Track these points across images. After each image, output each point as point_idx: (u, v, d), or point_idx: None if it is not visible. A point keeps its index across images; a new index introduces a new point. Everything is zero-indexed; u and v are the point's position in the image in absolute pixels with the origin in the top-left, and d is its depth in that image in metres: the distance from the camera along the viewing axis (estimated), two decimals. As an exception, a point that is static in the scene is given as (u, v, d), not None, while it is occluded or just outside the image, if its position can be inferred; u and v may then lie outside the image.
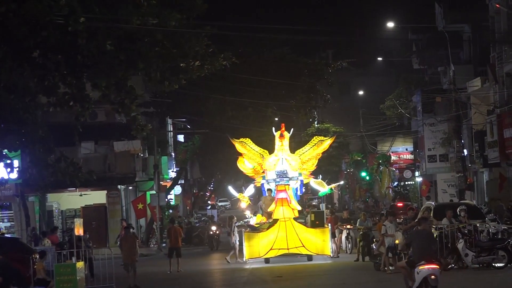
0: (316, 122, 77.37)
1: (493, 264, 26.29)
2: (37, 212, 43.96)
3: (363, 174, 79.28)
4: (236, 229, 35.55)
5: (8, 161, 25.82)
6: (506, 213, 37.69)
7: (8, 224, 42.07)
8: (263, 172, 34.70)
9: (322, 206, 39.48)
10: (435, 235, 25.78)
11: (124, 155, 45.22)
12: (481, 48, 52.82)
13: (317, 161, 35.12)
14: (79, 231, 25.37)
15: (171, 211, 53.97)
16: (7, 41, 23.01)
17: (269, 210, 34.17)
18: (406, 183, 72.81)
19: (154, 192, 48.23)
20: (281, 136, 34.44)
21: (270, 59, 52.16)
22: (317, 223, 33.32)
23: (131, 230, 30.28)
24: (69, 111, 26.88)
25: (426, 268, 17.88)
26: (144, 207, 46.32)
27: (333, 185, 41.82)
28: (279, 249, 33.10)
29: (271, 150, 34.82)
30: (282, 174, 34.14)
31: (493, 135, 44.81)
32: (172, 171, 60.16)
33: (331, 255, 33.53)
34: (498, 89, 45.43)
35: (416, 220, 25.84)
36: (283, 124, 35.27)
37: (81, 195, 45.66)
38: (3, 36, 22.84)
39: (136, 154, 47.12)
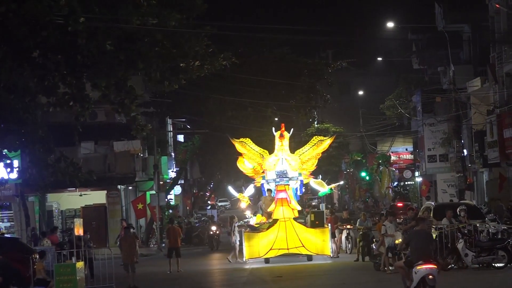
0: (316, 122, 77.30)
1: (493, 264, 26.29)
2: (37, 212, 43.93)
3: (363, 174, 79.17)
4: (236, 229, 35.56)
5: (8, 161, 25.81)
6: (506, 213, 37.72)
7: (8, 224, 42.03)
8: (263, 172, 34.68)
9: (322, 206, 39.51)
10: (435, 235, 25.86)
11: (124, 155, 45.20)
12: (481, 48, 52.80)
13: (317, 161, 35.11)
14: (79, 231, 25.40)
15: (171, 211, 53.96)
16: (7, 41, 22.98)
17: (269, 210, 34.16)
18: (406, 183, 72.72)
19: (154, 192, 48.23)
20: (281, 136, 34.42)
21: (270, 59, 52.10)
22: (317, 223, 33.31)
23: (131, 230, 30.28)
24: (69, 111, 26.84)
25: (424, 268, 17.91)
26: (144, 207, 46.34)
27: (333, 185, 41.76)
28: (279, 249, 33.08)
29: (271, 150, 34.81)
30: (282, 174, 34.13)
31: (493, 135, 44.80)
32: (172, 171, 60.14)
33: (331, 255, 33.52)
34: (498, 89, 45.42)
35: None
36: (283, 124, 35.26)
37: (81, 195, 45.64)
38: (3, 36, 22.82)
39: (136, 154, 47.10)
